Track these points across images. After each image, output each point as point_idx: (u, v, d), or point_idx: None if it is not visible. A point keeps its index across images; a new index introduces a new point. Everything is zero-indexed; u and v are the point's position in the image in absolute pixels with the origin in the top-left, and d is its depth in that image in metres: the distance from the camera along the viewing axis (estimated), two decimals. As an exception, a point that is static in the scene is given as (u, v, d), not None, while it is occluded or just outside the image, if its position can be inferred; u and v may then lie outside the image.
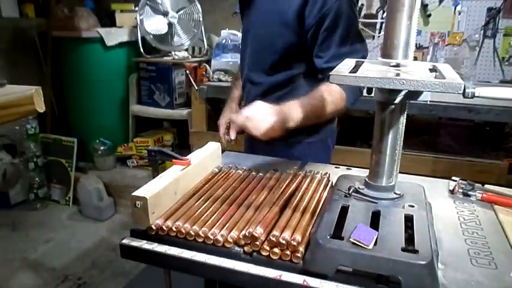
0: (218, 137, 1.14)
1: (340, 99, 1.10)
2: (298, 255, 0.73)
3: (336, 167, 1.15)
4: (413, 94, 0.78)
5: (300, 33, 1.11)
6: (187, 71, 2.61)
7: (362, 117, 2.40)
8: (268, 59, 1.18)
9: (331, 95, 1.09)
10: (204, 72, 2.61)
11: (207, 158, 1.07)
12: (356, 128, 2.39)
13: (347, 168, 1.14)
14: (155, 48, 2.84)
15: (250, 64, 1.26)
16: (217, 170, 1.09)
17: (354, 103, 1.14)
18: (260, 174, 1.06)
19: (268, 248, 0.75)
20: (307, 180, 1.01)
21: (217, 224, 0.82)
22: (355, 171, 1.10)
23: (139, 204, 0.81)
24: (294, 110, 1.04)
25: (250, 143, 1.45)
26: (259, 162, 1.18)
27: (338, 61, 1.08)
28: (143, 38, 2.76)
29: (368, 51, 1.15)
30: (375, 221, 0.77)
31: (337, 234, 0.73)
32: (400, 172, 0.88)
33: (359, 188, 0.87)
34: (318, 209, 0.88)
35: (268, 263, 0.74)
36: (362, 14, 2.60)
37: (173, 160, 0.98)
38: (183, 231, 0.80)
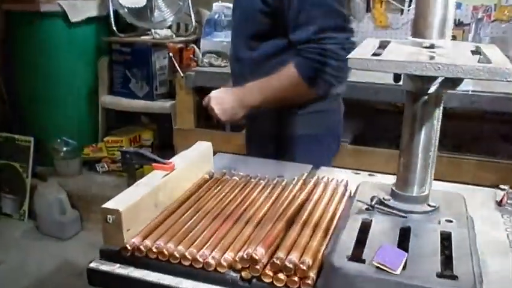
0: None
1: (294, 87, 1.24)
2: (309, 282, 0.73)
3: (355, 173, 1.15)
4: (451, 82, 0.78)
5: (271, 2, 1.22)
6: (171, 54, 2.61)
7: (388, 110, 2.40)
8: (248, 30, 1.31)
9: (284, 79, 1.24)
10: (192, 55, 2.61)
11: (195, 161, 1.07)
12: (380, 124, 2.39)
13: (369, 174, 1.14)
14: (131, 25, 2.84)
15: (235, 38, 1.41)
16: (208, 177, 1.09)
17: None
18: (261, 181, 1.07)
19: (271, 274, 0.75)
20: (320, 188, 1.01)
21: (208, 243, 0.82)
22: (379, 178, 1.10)
23: (110, 219, 0.81)
24: (248, 95, 1.29)
25: (248, 138, 1.52)
26: (259, 166, 1.18)
27: (299, 31, 1.22)
28: (116, 13, 2.76)
29: (348, 24, 1.23)
30: (404, 239, 0.77)
31: (357, 256, 0.73)
32: (435, 179, 0.89)
33: (383, 198, 0.87)
34: (333, 225, 0.88)
35: (271, 291, 0.74)
36: (388, -18, 2.60)
37: (153, 164, 0.98)
38: (166, 252, 0.80)
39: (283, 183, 1.05)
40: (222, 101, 1.30)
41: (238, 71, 1.40)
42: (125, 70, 2.86)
